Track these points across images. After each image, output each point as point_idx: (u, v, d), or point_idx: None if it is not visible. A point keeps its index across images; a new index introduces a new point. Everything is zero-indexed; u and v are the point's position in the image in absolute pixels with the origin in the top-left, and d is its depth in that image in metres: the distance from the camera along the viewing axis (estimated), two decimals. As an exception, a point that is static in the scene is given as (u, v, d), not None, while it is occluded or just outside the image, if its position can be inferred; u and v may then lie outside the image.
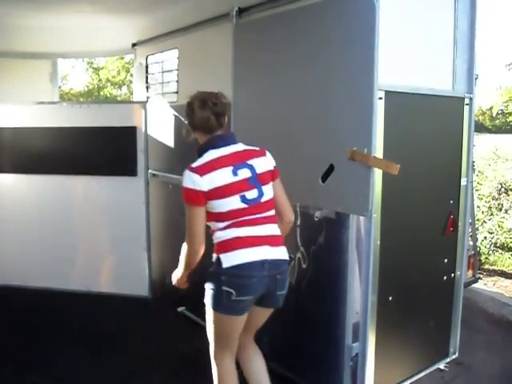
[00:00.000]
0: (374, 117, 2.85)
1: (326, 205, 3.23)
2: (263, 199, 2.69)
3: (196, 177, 2.61)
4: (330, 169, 3.11)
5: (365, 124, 2.89)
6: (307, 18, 3.26)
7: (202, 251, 2.72)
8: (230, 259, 2.62)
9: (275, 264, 2.67)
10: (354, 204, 3.03)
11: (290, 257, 2.83)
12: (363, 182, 2.93)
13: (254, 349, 3.03)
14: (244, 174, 2.67)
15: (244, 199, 2.65)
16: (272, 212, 2.75)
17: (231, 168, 2.66)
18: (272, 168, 2.78)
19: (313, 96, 3.25)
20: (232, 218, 2.65)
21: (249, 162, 2.70)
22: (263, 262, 2.62)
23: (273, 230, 2.71)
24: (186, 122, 2.93)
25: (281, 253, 2.71)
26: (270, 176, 2.75)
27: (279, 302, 2.83)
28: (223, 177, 2.64)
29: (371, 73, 2.81)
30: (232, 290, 2.60)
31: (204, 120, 2.75)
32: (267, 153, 2.82)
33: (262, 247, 2.65)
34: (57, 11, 4.88)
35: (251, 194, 2.66)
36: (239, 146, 2.77)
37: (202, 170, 2.64)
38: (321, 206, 3.26)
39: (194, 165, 2.68)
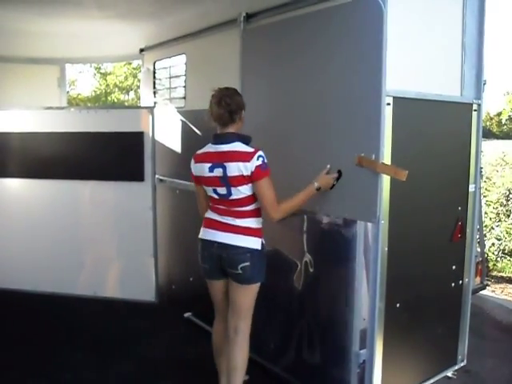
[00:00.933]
0: (382, 123, 2.84)
1: (334, 211, 3.22)
2: (231, 197, 3.13)
3: (192, 162, 3.27)
4: (338, 175, 3.09)
5: (373, 130, 2.88)
6: (315, 23, 3.26)
7: (203, 214, 3.37)
8: (200, 232, 3.33)
9: (222, 246, 3.17)
10: (362, 210, 3.01)
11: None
12: (371, 188, 2.91)
13: (232, 336, 3.28)
14: (218, 172, 3.11)
15: (216, 192, 3.18)
16: (242, 208, 3.15)
17: (209, 165, 3.14)
18: (248, 173, 3.04)
19: (321, 101, 3.24)
20: (211, 202, 3.28)
21: (225, 164, 3.08)
22: (214, 242, 3.21)
23: (234, 221, 3.16)
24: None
25: (231, 239, 3.15)
26: (244, 180, 3.06)
27: (237, 279, 3.19)
28: (202, 170, 3.19)
29: (379, 79, 2.80)
30: (199, 257, 3.33)
31: (219, 115, 3.11)
32: (254, 158, 3.02)
33: (217, 231, 3.21)
34: (65, 17, 4.90)
35: (221, 190, 3.15)
36: (229, 146, 3.10)
37: (196, 159, 3.26)
38: (328, 212, 3.25)
39: (198, 152, 3.26)
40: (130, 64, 25.26)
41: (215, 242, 3.20)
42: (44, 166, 5.21)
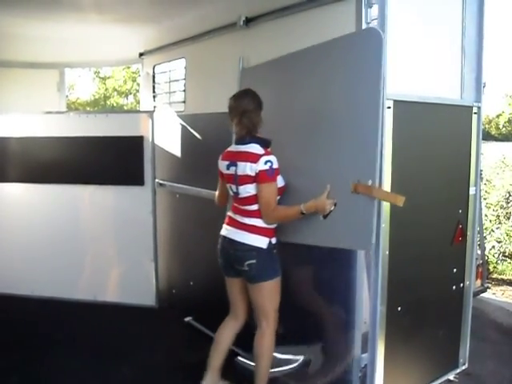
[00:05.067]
0: (383, 126, 2.83)
1: (327, 242, 3.14)
2: (239, 196, 3.27)
3: (219, 158, 3.40)
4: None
5: (369, 155, 2.83)
6: (314, 56, 3.28)
7: (218, 203, 3.60)
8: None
9: (231, 241, 3.30)
10: (357, 238, 2.95)
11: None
12: (366, 214, 2.85)
13: (256, 335, 3.35)
14: (232, 170, 3.27)
15: (231, 189, 3.33)
16: (249, 207, 3.25)
17: (227, 163, 3.31)
18: (253, 174, 3.15)
19: (316, 125, 3.23)
20: (232, 199, 3.40)
21: (237, 163, 3.23)
22: (225, 238, 3.34)
23: (243, 219, 3.27)
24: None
25: (238, 235, 3.26)
26: (249, 179, 3.18)
27: (246, 277, 3.30)
28: (223, 167, 3.36)
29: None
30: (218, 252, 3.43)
31: (243, 133, 3.25)
32: (260, 160, 3.13)
33: (229, 227, 3.35)
34: (64, 21, 4.90)
35: (234, 187, 3.29)
36: (245, 147, 3.22)
37: (222, 156, 3.39)
38: (321, 243, 3.17)
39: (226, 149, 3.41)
40: (129, 68, 25.29)
41: (226, 237, 3.34)
42: (43, 170, 5.22)
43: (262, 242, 3.21)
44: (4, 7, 4.39)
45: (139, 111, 6.49)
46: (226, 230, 3.36)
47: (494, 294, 6.45)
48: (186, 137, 4.85)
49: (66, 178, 5.16)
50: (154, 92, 5.61)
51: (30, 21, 4.89)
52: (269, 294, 3.29)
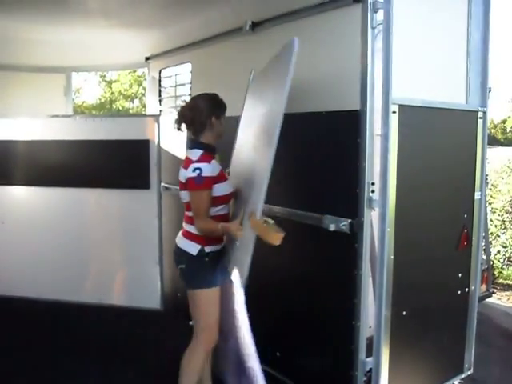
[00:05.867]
0: (388, 130, 2.83)
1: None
2: (182, 200, 3.27)
3: None
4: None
5: (260, 181, 2.79)
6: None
7: None
8: None
9: (176, 247, 3.31)
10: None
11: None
12: (246, 246, 2.84)
13: (189, 346, 3.45)
14: (179, 176, 3.23)
15: None
16: (187, 213, 3.26)
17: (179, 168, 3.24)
18: (184, 180, 3.14)
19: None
20: None
21: (180, 168, 3.20)
22: (175, 243, 3.33)
23: (183, 224, 3.30)
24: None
25: (181, 242, 3.28)
26: (182, 186, 3.19)
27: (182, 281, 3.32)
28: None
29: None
30: None
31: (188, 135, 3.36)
32: (190, 167, 3.08)
33: (179, 233, 3.35)
34: (71, 25, 4.94)
35: None
36: (188, 152, 3.23)
37: None
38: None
39: None
40: (135, 72, 25.36)
41: (175, 243, 3.35)
42: (50, 173, 5.22)
43: (192, 248, 3.20)
44: (11, 12, 4.42)
45: (145, 115, 6.52)
46: (177, 236, 3.37)
47: (499, 299, 6.44)
48: (192, 140, 4.86)
49: (72, 181, 5.17)
50: (159, 96, 5.63)
51: (36, 25, 4.92)
52: (199, 304, 3.25)
